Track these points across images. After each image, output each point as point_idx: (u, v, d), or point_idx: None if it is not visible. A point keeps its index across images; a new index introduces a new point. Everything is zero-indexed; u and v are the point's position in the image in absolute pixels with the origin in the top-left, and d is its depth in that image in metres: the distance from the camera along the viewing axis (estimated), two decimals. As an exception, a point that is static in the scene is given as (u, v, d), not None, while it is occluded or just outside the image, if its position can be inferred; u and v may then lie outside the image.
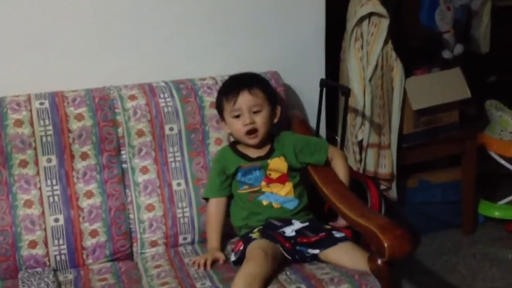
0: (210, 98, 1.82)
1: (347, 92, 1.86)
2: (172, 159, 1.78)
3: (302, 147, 1.73)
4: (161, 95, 1.79)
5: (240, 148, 1.74)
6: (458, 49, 2.53)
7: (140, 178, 1.75)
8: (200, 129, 1.80)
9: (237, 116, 1.68)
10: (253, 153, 1.72)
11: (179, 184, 1.77)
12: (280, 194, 1.67)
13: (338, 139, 2.31)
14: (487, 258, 2.41)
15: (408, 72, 2.28)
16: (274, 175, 1.69)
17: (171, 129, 1.78)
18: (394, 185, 2.35)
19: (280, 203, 1.66)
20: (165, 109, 1.77)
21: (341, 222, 1.69)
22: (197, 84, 1.84)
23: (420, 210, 2.53)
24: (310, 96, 2.12)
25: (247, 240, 1.57)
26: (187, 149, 1.79)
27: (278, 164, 1.70)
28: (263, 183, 1.68)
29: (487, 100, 2.70)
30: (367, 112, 2.22)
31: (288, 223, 1.62)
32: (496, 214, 2.65)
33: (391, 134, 2.28)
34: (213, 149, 1.81)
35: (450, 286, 2.21)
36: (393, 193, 2.37)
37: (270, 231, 1.58)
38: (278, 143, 1.74)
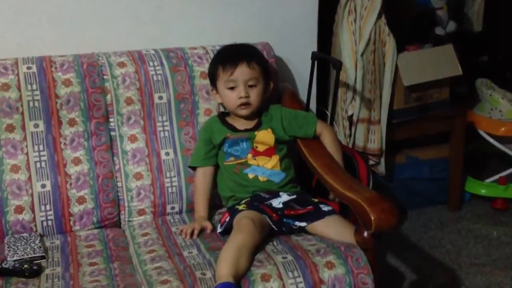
0: (200, 68, 1.80)
1: (338, 65, 1.85)
2: (161, 129, 1.77)
3: (290, 120, 1.73)
4: (151, 63, 1.77)
5: (229, 119, 1.73)
6: (451, 26, 2.52)
7: (129, 146, 1.74)
8: (190, 99, 1.79)
9: (232, 88, 1.67)
10: (241, 124, 1.71)
11: (167, 154, 1.76)
12: (267, 167, 1.67)
13: (328, 113, 2.31)
14: (471, 234, 2.43)
15: (400, 48, 2.27)
16: (261, 148, 1.69)
17: (160, 98, 1.76)
18: (382, 160, 2.36)
19: (266, 176, 1.66)
20: (155, 78, 1.76)
21: (331, 196, 1.69)
22: (188, 53, 1.82)
23: (407, 186, 2.55)
24: (301, 69, 2.11)
25: (233, 211, 1.57)
26: (176, 119, 1.78)
27: (265, 137, 1.69)
28: (250, 155, 1.68)
29: (478, 79, 2.70)
30: (358, 87, 2.22)
31: (276, 195, 1.62)
32: (483, 191, 2.67)
33: (381, 110, 2.28)
34: (202, 119, 1.80)
35: (435, 261, 2.23)
36: (381, 169, 2.38)
37: (257, 202, 1.58)
38: (266, 116, 1.73)
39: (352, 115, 2.27)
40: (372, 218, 1.36)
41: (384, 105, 2.27)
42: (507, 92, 2.69)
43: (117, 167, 1.74)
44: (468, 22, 2.85)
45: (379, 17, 2.18)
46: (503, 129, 2.58)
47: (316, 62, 2.01)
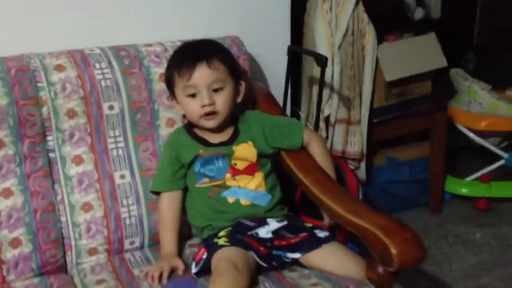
0: (159, 69, 1.47)
1: (324, 61, 1.57)
2: (113, 146, 1.43)
3: (272, 129, 1.43)
4: (97, 65, 1.42)
5: (198, 131, 1.41)
6: (419, 13, 2.30)
7: (73, 170, 1.39)
8: (148, 108, 1.45)
9: (193, 95, 1.35)
10: (214, 137, 1.40)
11: (122, 177, 1.42)
12: (249, 188, 1.37)
13: (302, 115, 2.05)
14: (459, 240, 2.23)
15: (378, 38, 2.01)
16: (241, 165, 1.38)
17: (110, 107, 1.42)
18: (363, 165, 2.11)
19: (249, 199, 1.36)
20: (103, 83, 1.41)
21: (327, 220, 1.41)
22: (142, 52, 1.48)
23: (386, 189, 2.32)
24: (273, 66, 1.82)
25: (212, 246, 1.26)
26: (132, 133, 1.45)
27: (245, 151, 1.39)
28: (228, 175, 1.37)
29: (451, 69, 2.49)
30: (336, 84, 1.95)
31: (262, 222, 1.33)
32: (464, 191, 2.48)
33: (361, 108, 2.03)
34: (165, 132, 1.47)
35: (426, 275, 2.01)
36: (361, 174, 2.13)
37: (240, 234, 1.28)
38: (244, 125, 1.43)
39: (329, 116, 2.01)
40: (394, 253, 1.10)
41: (364, 103, 2.02)
42: (481, 82, 2.50)
43: (59, 197, 1.38)
44: (427, 9, 2.65)
45: (356, 4, 1.91)
46: (484, 123, 2.38)
47: (292, 58, 1.73)
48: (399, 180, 2.33)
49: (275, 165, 1.46)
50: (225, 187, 1.36)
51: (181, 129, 1.43)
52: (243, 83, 1.43)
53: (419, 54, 2.07)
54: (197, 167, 1.37)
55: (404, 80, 2.08)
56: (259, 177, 1.38)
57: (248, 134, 1.41)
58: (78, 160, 1.40)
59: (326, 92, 1.97)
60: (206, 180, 1.37)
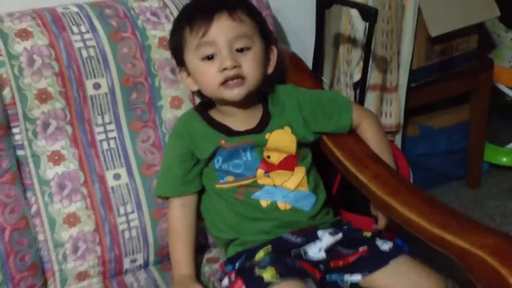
0: (158, 32, 1.11)
1: (373, 14, 1.21)
2: (102, 137, 1.08)
3: (313, 108, 1.08)
4: (75, 29, 1.05)
5: (217, 115, 1.06)
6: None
7: (51, 171, 1.04)
8: (146, 84, 1.10)
9: (210, 58, 0.99)
10: (239, 123, 1.05)
11: (117, 177, 1.08)
12: (289, 188, 1.03)
13: (325, 80, 1.69)
14: (508, 219, 1.93)
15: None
16: (276, 158, 1.04)
17: (96, 86, 1.06)
18: (399, 138, 1.78)
19: (290, 201, 1.03)
20: (84, 53, 1.05)
21: (382, 222, 1.09)
22: (134, 8, 1.11)
23: (419, 163, 2.00)
24: (294, 21, 1.47)
25: (254, 283, 0.91)
26: (127, 118, 1.09)
27: (282, 140, 1.05)
28: (260, 171, 1.03)
29: (487, 20, 2.14)
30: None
31: (312, 236, 0.99)
32: (504, 160, 2.17)
33: (399, 71, 1.68)
34: (169, 114, 1.12)
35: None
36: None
37: (288, 257, 0.95)
38: (276, 105, 1.08)
39: (359, 81, 1.66)
40: (512, 285, 0.78)
41: (403, 65, 1.67)
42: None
43: (34, 209, 1.04)
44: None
45: None
46: (531, 82, 2.06)
47: (324, 11, 1.37)
48: (434, 151, 2.01)
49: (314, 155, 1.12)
50: (257, 186, 1.02)
51: (192, 113, 1.08)
52: (274, 49, 1.07)
53: (468, 1, 1.71)
54: (217, 163, 1.03)
55: (448, 34, 1.73)
56: (300, 172, 1.05)
57: (283, 116, 1.06)
58: (56, 158, 1.05)
59: (355, 53, 1.62)
60: (230, 178, 1.03)
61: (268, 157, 1.03)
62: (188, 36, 1.00)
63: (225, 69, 0.98)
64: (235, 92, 1.00)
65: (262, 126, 1.04)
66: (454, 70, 1.84)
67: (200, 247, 1.13)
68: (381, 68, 1.66)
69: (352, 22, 1.57)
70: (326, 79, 1.70)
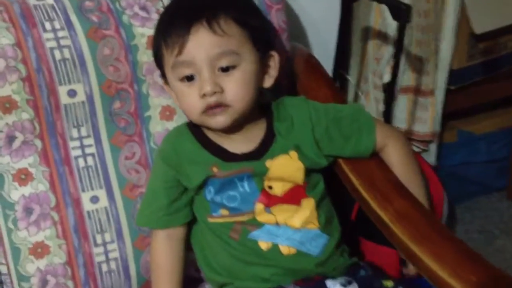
0: (146, 30, 0.93)
1: (404, 12, 1.01)
2: (78, 153, 0.92)
3: (328, 127, 0.89)
4: (47, 25, 0.89)
5: (210, 133, 0.88)
6: None
7: (16, 193, 0.89)
8: (131, 91, 0.93)
9: (189, 78, 0.82)
10: (236, 144, 0.87)
11: (95, 200, 0.92)
12: (294, 226, 0.85)
13: (351, 79, 1.50)
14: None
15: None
16: (279, 189, 0.86)
17: (71, 93, 0.90)
18: (434, 146, 1.59)
19: (295, 244, 0.85)
20: (57, 54, 0.89)
21: (412, 268, 0.91)
22: (120, 0, 0.94)
23: (455, 172, 1.80)
24: (314, 16, 1.28)
25: None
26: (108, 131, 0.93)
27: (286, 168, 0.86)
28: (259, 205, 0.85)
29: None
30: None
31: (319, 286, 0.82)
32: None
33: (437, 72, 1.48)
34: (159, 127, 0.95)
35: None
36: (430, 158, 1.61)
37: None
38: (283, 122, 0.89)
39: (390, 82, 1.46)
40: None
41: (442, 65, 1.46)
42: None
43: (-5, 236, 0.90)
44: None
45: None
46: None
47: (348, 5, 1.18)
48: (473, 159, 1.80)
49: (327, 178, 0.94)
50: (255, 224, 0.85)
51: (183, 129, 0.90)
52: (275, 55, 0.88)
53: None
54: (209, 193, 0.86)
55: (494, 31, 1.51)
56: (308, 206, 0.87)
57: (290, 137, 0.87)
58: (23, 177, 0.89)
59: (386, 49, 1.42)
60: (224, 212, 0.86)
61: (270, 187, 0.85)
62: (164, 51, 0.83)
63: (203, 94, 0.80)
64: (219, 121, 0.83)
65: (263, 150, 0.86)
66: (499, 71, 1.62)
67: (192, 281, 0.97)
68: (415, 69, 1.46)
69: (383, 16, 1.38)
70: (351, 78, 1.51)
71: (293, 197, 0.86)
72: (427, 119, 1.50)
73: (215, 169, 0.85)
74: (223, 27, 0.79)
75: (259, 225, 0.85)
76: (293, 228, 0.85)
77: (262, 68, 0.85)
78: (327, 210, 0.89)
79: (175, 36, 0.80)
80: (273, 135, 0.87)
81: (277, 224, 0.85)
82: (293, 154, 0.86)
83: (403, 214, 0.84)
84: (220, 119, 0.82)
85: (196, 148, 0.86)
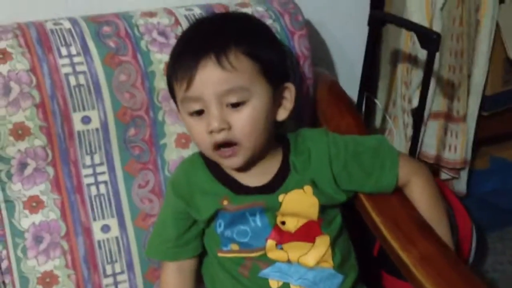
0: (164, 56, 0.91)
1: (434, 41, 0.96)
2: (91, 180, 0.90)
3: (347, 162, 0.85)
4: (63, 50, 0.87)
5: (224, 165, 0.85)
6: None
7: (26, 221, 0.87)
8: (147, 119, 0.91)
9: (198, 113, 0.79)
10: (250, 176, 0.83)
11: (106, 229, 0.90)
12: (307, 265, 0.81)
13: (379, 103, 1.45)
14: None
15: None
16: (293, 224, 0.82)
17: (85, 120, 0.88)
18: (464, 174, 1.52)
19: (307, 285, 0.80)
20: (72, 80, 0.87)
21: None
22: (138, 26, 0.92)
23: (487, 199, 1.73)
24: (341, 41, 1.24)
25: None
26: (122, 159, 0.91)
27: (300, 203, 0.82)
28: (270, 242, 0.81)
29: None
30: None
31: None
32: None
33: (469, 98, 1.42)
34: (174, 155, 0.93)
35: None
36: (461, 186, 1.54)
37: None
38: (300, 155, 0.85)
39: (418, 108, 1.40)
40: None
41: (475, 91, 1.40)
42: None
43: (4, 264, 0.87)
44: None
45: None
46: None
47: (375, 29, 1.13)
48: (506, 187, 1.73)
49: (347, 210, 0.90)
50: (266, 261, 0.81)
51: (196, 158, 0.87)
52: (291, 87, 0.83)
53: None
54: (219, 227, 0.83)
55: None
56: (323, 244, 0.82)
57: (306, 171, 0.83)
58: (34, 205, 0.88)
59: (416, 74, 1.37)
60: (234, 247, 0.83)
61: (283, 223, 0.81)
62: (175, 85, 0.80)
63: (211, 131, 0.77)
64: (231, 163, 0.80)
65: (276, 184, 0.82)
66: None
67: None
68: (447, 94, 1.40)
69: (413, 40, 1.32)
70: (379, 101, 1.46)
71: (307, 234, 0.82)
72: (458, 146, 1.44)
73: (225, 202, 0.81)
74: (233, 62, 0.76)
75: (270, 262, 0.81)
76: (306, 267, 0.81)
77: (276, 100, 0.82)
78: (344, 248, 0.85)
79: (184, 70, 0.77)
80: (288, 169, 0.84)
81: (289, 261, 0.81)
82: (308, 189, 0.82)
83: (426, 258, 0.79)
84: (233, 161, 0.79)
85: (208, 179, 0.83)
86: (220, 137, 0.77)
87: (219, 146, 0.78)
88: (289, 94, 0.83)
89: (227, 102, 0.77)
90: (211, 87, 0.76)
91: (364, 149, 0.86)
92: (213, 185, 0.83)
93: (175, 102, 0.83)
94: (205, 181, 0.84)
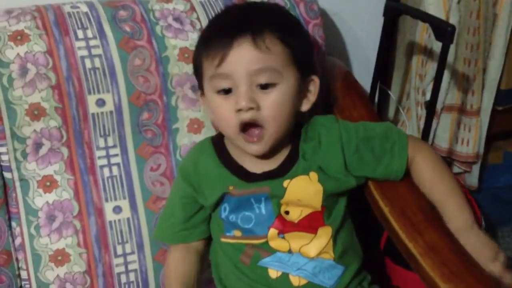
0: (179, 41, 0.92)
1: (449, 33, 0.96)
2: (104, 162, 0.91)
3: (358, 147, 0.85)
4: (80, 33, 0.89)
5: (233, 150, 0.86)
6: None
7: (40, 200, 0.89)
8: (160, 103, 0.92)
9: (226, 91, 0.80)
10: (259, 162, 0.84)
11: (118, 210, 0.92)
12: (308, 255, 0.82)
13: (392, 95, 1.45)
14: None
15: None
16: (296, 214, 0.83)
17: (100, 103, 0.90)
18: (476, 168, 1.51)
19: (306, 276, 0.81)
20: (88, 63, 0.88)
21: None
22: (154, 11, 0.93)
23: (500, 195, 1.72)
24: (360, 28, 1.24)
25: None
26: (134, 142, 0.92)
27: (303, 190, 0.83)
28: (273, 230, 0.82)
29: None
30: (448, 55, 1.33)
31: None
32: None
33: (483, 92, 1.41)
34: (186, 140, 0.94)
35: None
36: (472, 180, 1.53)
37: None
38: (310, 141, 0.86)
39: (430, 101, 1.40)
40: None
41: (490, 85, 1.39)
42: None
43: (18, 241, 0.90)
44: None
45: None
46: None
47: (391, 20, 1.13)
48: (519, 183, 1.72)
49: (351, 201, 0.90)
50: (267, 250, 0.82)
51: (207, 144, 0.88)
52: (316, 80, 0.85)
53: None
54: (224, 211, 0.84)
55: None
56: (325, 235, 0.83)
57: (315, 157, 0.84)
58: (48, 184, 0.90)
59: (431, 66, 1.36)
60: (237, 233, 0.84)
61: (287, 212, 0.82)
62: (204, 61, 0.81)
63: (239, 109, 0.78)
64: (254, 149, 0.81)
65: (284, 169, 0.83)
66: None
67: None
68: (461, 87, 1.39)
69: (429, 32, 1.32)
70: (393, 93, 1.46)
71: (309, 224, 0.83)
72: (470, 140, 1.43)
73: (231, 187, 0.83)
74: (268, 44, 0.77)
75: (271, 251, 0.82)
76: (307, 257, 0.82)
77: (302, 91, 0.83)
78: (346, 239, 0.85)
79: (217, 47, 0.78)
80: (297, 155, 0.85)
81: (290, 252, 0.82)
82: (313, 175, 0.83)
83: (433, 248, 0.80)
84: (256, 148, 0.80)
85: (216, 165, 0.85)
86: (247, 116, 0.77)
87: (245, 126, 0.79)
88: (314, 87, 0.85)
89: (257, 83, 0.78)
90: (243, 65, 0.77)
91: (374, 134, 0.87)
92: (221, 171, 0.84)
93: (200, 81, 0.84)
94: (213, 167, 0.85)
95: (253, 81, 0.78)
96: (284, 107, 0.79)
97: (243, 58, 0.77)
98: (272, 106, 0.78)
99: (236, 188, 0.83)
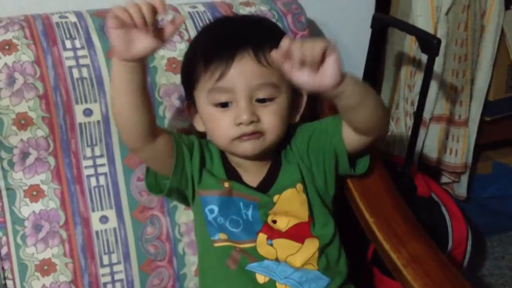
0: (167, 52, 0.93)
1: (434, 46, 0.97)
2: (91, 172, 0.91)
3: (310, 138, 0.86)
4: (68, 43, 0.89)
5: (231, 156, 0.87)
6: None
7: (26, 209, 0.89)
8: (147, 113, 0.93)
9: (224, 105, 0.80)
10: (249, 174, 0.85)
11: (104, 220, 0.92)
12: (294, 265, 0.82)
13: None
14: None
15: (506, 1, 1.38)
16: (284, 224, 0.84)
17: (87, 112, 0.90)
18: (464, 178, 1.52)
19: (293, 284, 0.81)
20: (75, 73, 0.89)
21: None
22: (143, 21, 0.94)
23: (488, 205, 1.73)
24: (345, 41, 1.25)
25: None
26: (121, 152, 0.92)
27: (292, 201, 0.84)
28: (261, 235, 0.83)
29: None
30: (436, 66, 1.34)
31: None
32: None
33: (471, 102, 1.42)
34: (172, 150, 0.95)
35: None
36: (461, 190, 1.55)
37: None
38: (289, 151, 0.87)
39: (417, 111, 1.40)
40: None
41: (477, 96, 1.41)
42: None
43: (3, 251, 0.90)
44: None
45: None
46: None
47: (379, 32, 1.14)
48: (508, 193, 1.72)
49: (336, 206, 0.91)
50: (255, 256, 0.82)
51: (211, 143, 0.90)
52: (305, 97, 0.87)
53: None
54: (210, 213, 0.84)
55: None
56: (311, 246, 0.83)
57: (294, 168, 0.85)
58: (34, 194, 0.90)
59: (420, 77, 1.37)
60: (223, 236, 0.84)
61: (274, 221, 0.83)
62: (201, 74, 0.81)
63: (239, 123, 0.79)
64: (250, 147, 0.81)
65: (268, 183, 0.84)
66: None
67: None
68: (449, 98, 1.40)
69: (417, 43, 1.33)
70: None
71: (296, 234, 0.83)
72: (459, 151, 1.44)
73: (226, 184, 0.83)
74: (269, 58, 0.77)
75: (259, 258, 0.82)
76: (293, 267, 0.82)
77: (295, 103, 0.85)
78: (332, 256, 0.86)
79: (218, 61, 0.78)
80: (278, 165, 0.86)
81: (277, 260, 0.82)
82: (299, 187, 0.85)
83: (416, 259, 0.80)
84: (252, 146, 0.80)
85: (218, 161, 0.86)
86: (249, 129, 0.79)
87: (241, 136, 0.79)
88: (302, 102, 0.87)
89: (257, 97, 0.79)
90: (245, 80, 0.78)
91: (317, 124, 0.88)
92: (221, 169, 0.85)
93: (189, 91, 0.84)
94: (215, 162, 0.86)
95: (252, 96, 0.79)
96: (281, 118, 0.81)
97: (244, 73, 0.78)
98: (271, 117, 0.80)
99: (230, 186, 0.83)
